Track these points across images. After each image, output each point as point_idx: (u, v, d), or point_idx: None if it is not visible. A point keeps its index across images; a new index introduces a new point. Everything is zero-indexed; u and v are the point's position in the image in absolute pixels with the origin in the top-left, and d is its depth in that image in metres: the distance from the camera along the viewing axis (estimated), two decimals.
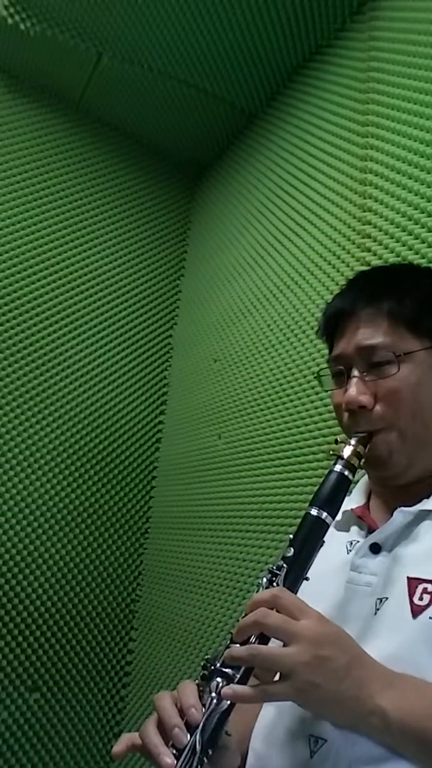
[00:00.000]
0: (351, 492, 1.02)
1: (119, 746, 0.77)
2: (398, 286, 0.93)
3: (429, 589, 0.78)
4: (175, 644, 2.12)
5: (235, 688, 0.72)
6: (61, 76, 2.62)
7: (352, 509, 0.96)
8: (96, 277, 2.70)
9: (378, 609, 0.82)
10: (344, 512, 0.96)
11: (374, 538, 0.87)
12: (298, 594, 0.78)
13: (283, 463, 1.86)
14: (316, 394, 1.79)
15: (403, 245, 1.61)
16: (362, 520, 0.94)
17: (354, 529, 0.94)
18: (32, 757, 2.17)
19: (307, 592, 0.80)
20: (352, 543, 0.92)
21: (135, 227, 2.86)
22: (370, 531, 0.91)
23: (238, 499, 2.02)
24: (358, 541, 0.91)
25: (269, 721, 0.87)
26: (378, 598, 0.82)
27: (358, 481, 1.06)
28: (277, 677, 0.71)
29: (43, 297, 2.55)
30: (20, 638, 2.21)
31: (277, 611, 0.73)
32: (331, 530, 0.96)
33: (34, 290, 2.54)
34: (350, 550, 0.91)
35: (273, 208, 2.32)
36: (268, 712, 0.88)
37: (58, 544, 2.36)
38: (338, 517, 0.96)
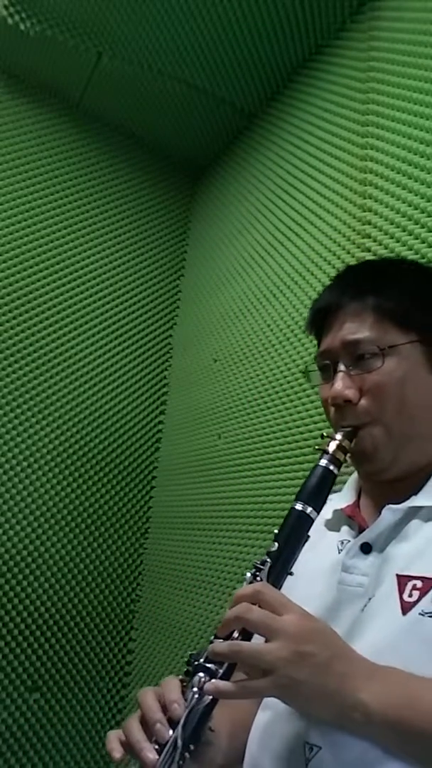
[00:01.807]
0: (341, 489, 1.01)
1: (117, 753, 0.75)
2: (384, 280, 0.92)
3: (418, 586, 0.78)
4: (175, 644, 2.12)
5: (217, 683, 0.72)
6: (61, 76, 2.62)
7: (342, 509, 0.95)
8: (96, 277, 2.70)
9: (366, 605, 0.81)
10: (335, 511, 0.95)
11: (364, 537, 0.87)
12: (290, 594, 0.77)
13: (283, 463, 1.86)
14: (316, 393, 1.79)
15: (403, 245, 1.61)
16: (352, 519, 0.93)
17: (344, 528, 0.93)
18: (32, 757, 2.17)
19: (298, 592, 0.79)
20: (343, 543, 0.91)
21: (135, 227, 2.86)
22: (361, 530, 0.90)
23: (238, 499, 2.02)
24: (348, 541, 0.90)
25: (264, 726, 0.86)
26: (369, 599, 0.82)
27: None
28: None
29: (43, 297, 2.55)
30: (20, 638, 2.21)
31: (260, 606, 0.73)
32: (323, 530, 0.94)
33: (34, 290, 2.54)
34: (341, 550, 0.90)
35: (273, 208, 2.32)
36: (264, 716, 0.87)
37: (58, 544, 2.36)
38: (329, 516, 0.95)
